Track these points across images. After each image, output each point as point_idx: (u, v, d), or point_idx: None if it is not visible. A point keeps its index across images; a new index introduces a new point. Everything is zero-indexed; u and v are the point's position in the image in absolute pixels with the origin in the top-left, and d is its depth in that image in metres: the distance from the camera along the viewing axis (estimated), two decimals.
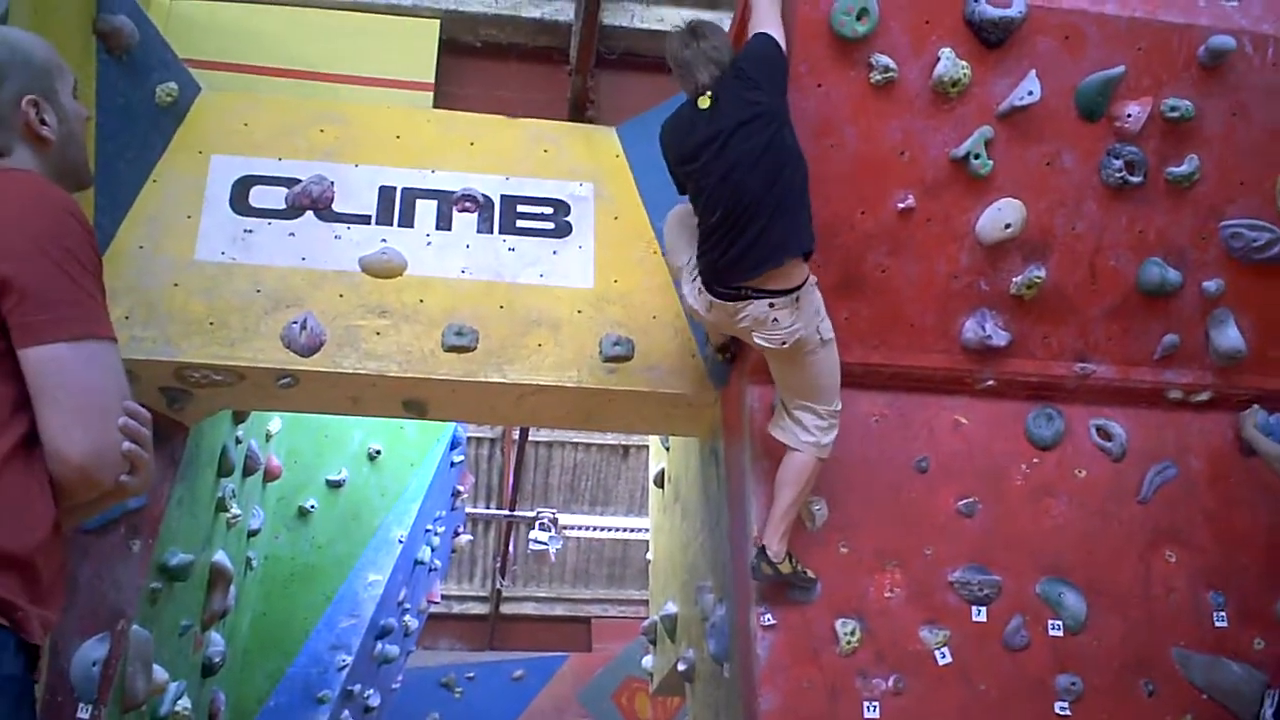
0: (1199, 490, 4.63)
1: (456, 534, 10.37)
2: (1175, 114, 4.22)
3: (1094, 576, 4.44)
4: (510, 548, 14.61)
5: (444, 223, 4.80)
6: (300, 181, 4.74)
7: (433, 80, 5.78)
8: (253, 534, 6.76)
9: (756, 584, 4.16)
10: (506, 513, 13.96)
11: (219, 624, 6.14)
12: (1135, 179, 4.29)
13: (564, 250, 4.85)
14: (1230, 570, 4.55)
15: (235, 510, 6.08)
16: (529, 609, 15.52)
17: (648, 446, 8.65)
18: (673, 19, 5.94)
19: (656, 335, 4.73)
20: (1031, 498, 4.51)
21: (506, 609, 15.27)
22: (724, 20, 5.13)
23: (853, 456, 4.43)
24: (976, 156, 4.19)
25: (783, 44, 3.86)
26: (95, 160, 4.33)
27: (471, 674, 14.36)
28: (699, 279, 4.04)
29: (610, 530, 14.37)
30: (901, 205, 4.23)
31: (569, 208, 4.93)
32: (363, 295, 4.61)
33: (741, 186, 3.77)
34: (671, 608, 6.22)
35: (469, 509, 12.47)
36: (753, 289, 3.84)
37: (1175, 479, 4.62)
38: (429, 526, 8.73)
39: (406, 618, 8.59)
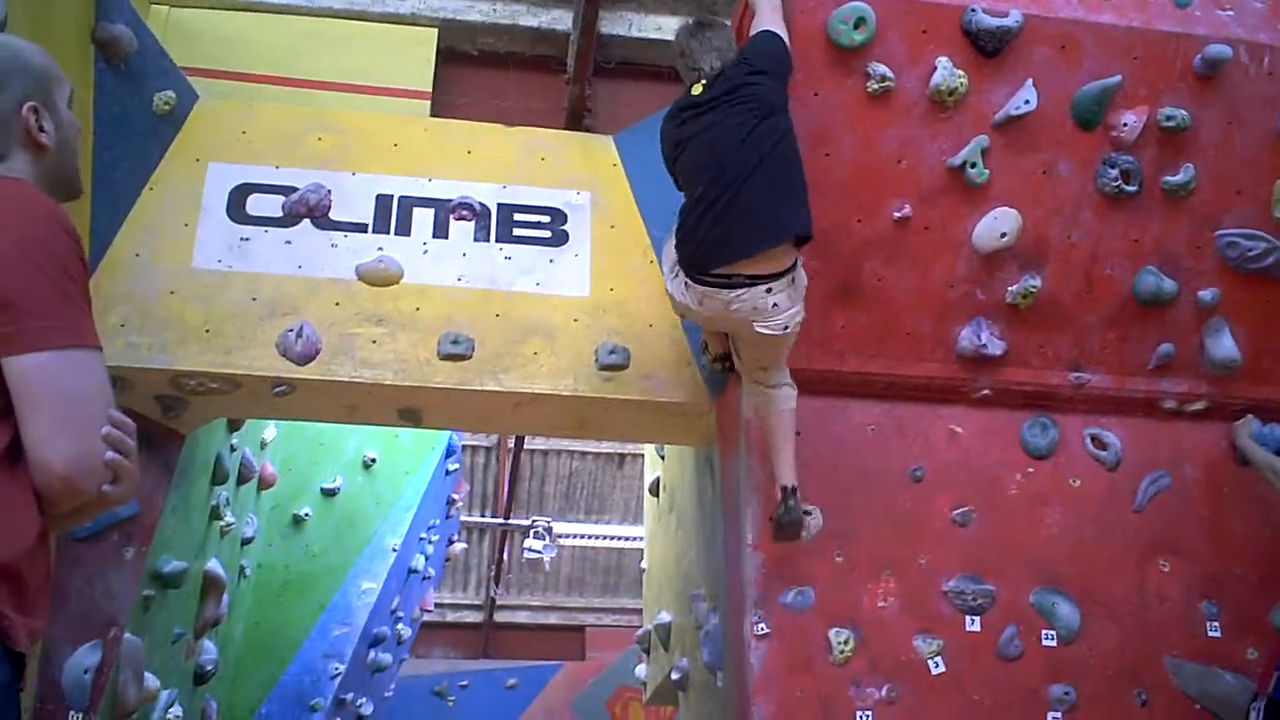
0: (1193, 500, 4.64)
1: (451, 542, 10.35)
2: (1171, 123, 4.24)
3: (1088, 586, 4.45)
4: (505, 556, 14.59)
5: (441, 231, 4.80)
6: (297, 190, 4.75)
7: (430, 89, 5.78)
8: (246, 542, 6.75)
9: (786, 531, 4.07)
10: (501, 521, 13.93)
11: (212, 632, 6.13)
12: (1131, 188, 4.30)
13: (560, 259, 4.85)
14: (1224, 580, 4.56)
15: (229, 518, 6.07)
16: (523, 617, 15.50)
17: (643, 455, 8.66)
18: (670, 28, 5.94)
19: (652, 344, 4.73)
20: (1026, 507, 4.52)
21: (500, 617, 15.25)
22: None
23: (849, 465, 4.43)
24: (973, 165, 4.20)
25: (788, 42, 3.87)
26: (92, 168, 4.33)
27: (465, 682, 14.33)
28: (681, 272, 3.92)
29: (605, 539, 14.35)
30: (898, 214, 4.24)
31: (566, 216, 4.94)
32: (359, 303, 4.61)
33: (727, 157, 3.71)
34: (665, 616, 6.22)
35: (464, 517, 12.45)
36: (744, 276, 3.74)
37: (1170, 488, 4.63)
38: (423, 535, 8.71)
39: (400, 626, 8.57)
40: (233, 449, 6.01)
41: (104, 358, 1.83)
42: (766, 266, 3.74)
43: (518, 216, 4.89)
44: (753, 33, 3.93)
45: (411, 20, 5.91)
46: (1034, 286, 4.38)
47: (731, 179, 3.69)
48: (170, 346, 4.41)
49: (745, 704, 4.16)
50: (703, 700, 5.20)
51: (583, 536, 14.25)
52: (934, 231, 4.30)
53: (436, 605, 11.97)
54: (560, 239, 4.89)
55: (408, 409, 4.83)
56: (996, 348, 4.45)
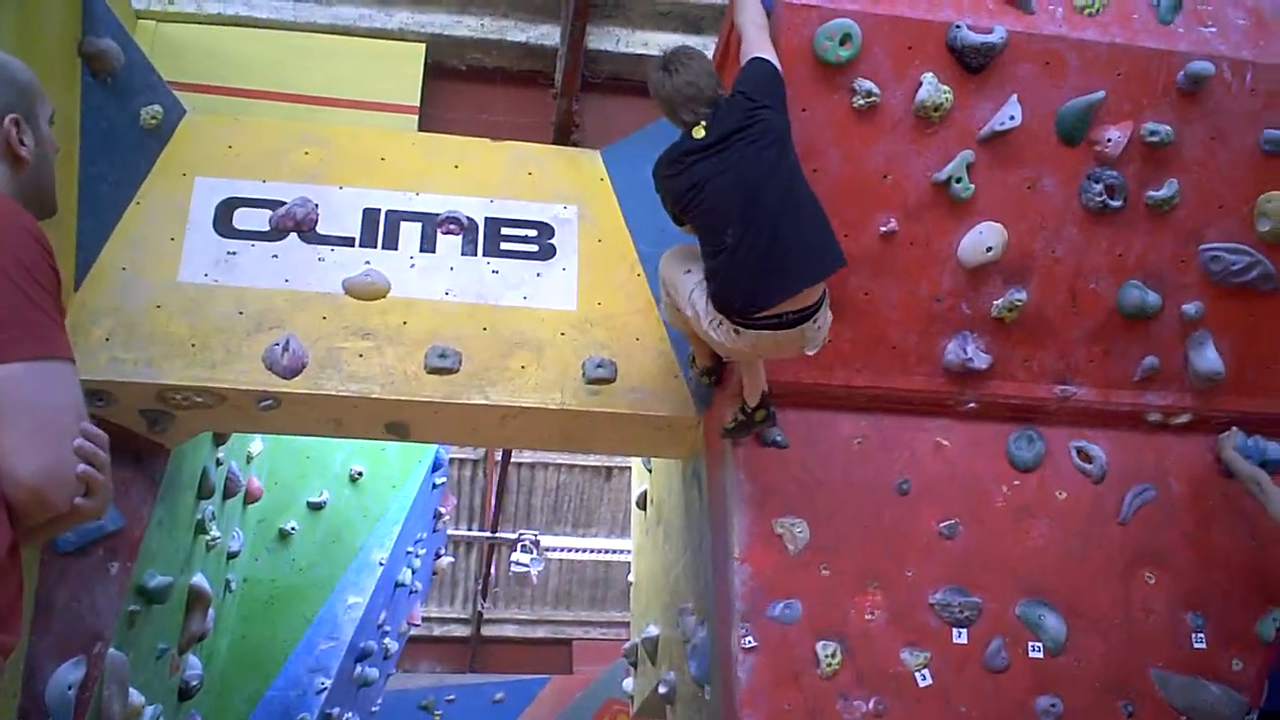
0: (1178, 512, 4.66)
1: (438, 556, 10.33)
2: (1155, 138, 4.27)
3: (1074, 598, 4.46)
4: (492, 570, 14.56)
5: (428, 245, 4.81)
6: (284, 204, 4.75)
7: (418, 103, 5.80)
8: (232, 556, 6.73)
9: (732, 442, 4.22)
10: (488, 534, 13.92)
11: (197, 647, 6.10)
12: (1115, 203, 4.33)
13: (548, 272, 4.86)
14: (1209, 591, 4.58)
15: (215, 532, 6.05)
16: (510, 631, 15.47)
17: (630, 468, 8.65)
18: (658, 43, 5.99)
19: (639, 357, 4.74)
20: (1012, 519, 4.53)
21: (487, 631, 15.21)
22: (708, 45, 5.16)
23: (835, 478, 4.44)
24: (958, 180, 4.23)
25: (779, 67, 3.85)
26: (78, 182, 4.33)
27: (451, 696, 14.28)
28: (725, 320, 3.79)
29: (592, 552, 14.34)
30: (884, 228, 4.26)
31: (553, 230, 4.95)
32: (346, 317, 4.61)
33: (758, 195, 3.64)
34: (653, 630, 6.21)
35: (451, 531, 12.42)
36: (792, 313, 3.70)
37: (1155, 501, 4.65)
38: (410, 548, 8.69)
39: (386, 640, 8.54)
40: (219, 463, 5.99)
41: (77, 369, 1.81)
42: (810, 299, 3.73)
43: (505, 230, 4.90)
44: (743, 60, 3.89)
45: (399, 35, 5.93)
46: (1019, 300, 4.41)
47: (767, 218, 3.64)
48: (156, 360, 4.40)
49: (733, 717, 4.16)
50: (690, 714, 5.19)
51: (570, 550, 14.25)
52: (920, 246, 4.32)
53: (423, 619, 11.94)
54: (548, 253, 4.89)
55: (395, 423, 4.82)
56: (982, 361, 4.47)
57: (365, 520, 8.00)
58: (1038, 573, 4.48)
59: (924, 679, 4.26)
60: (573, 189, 5.07)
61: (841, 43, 4.01)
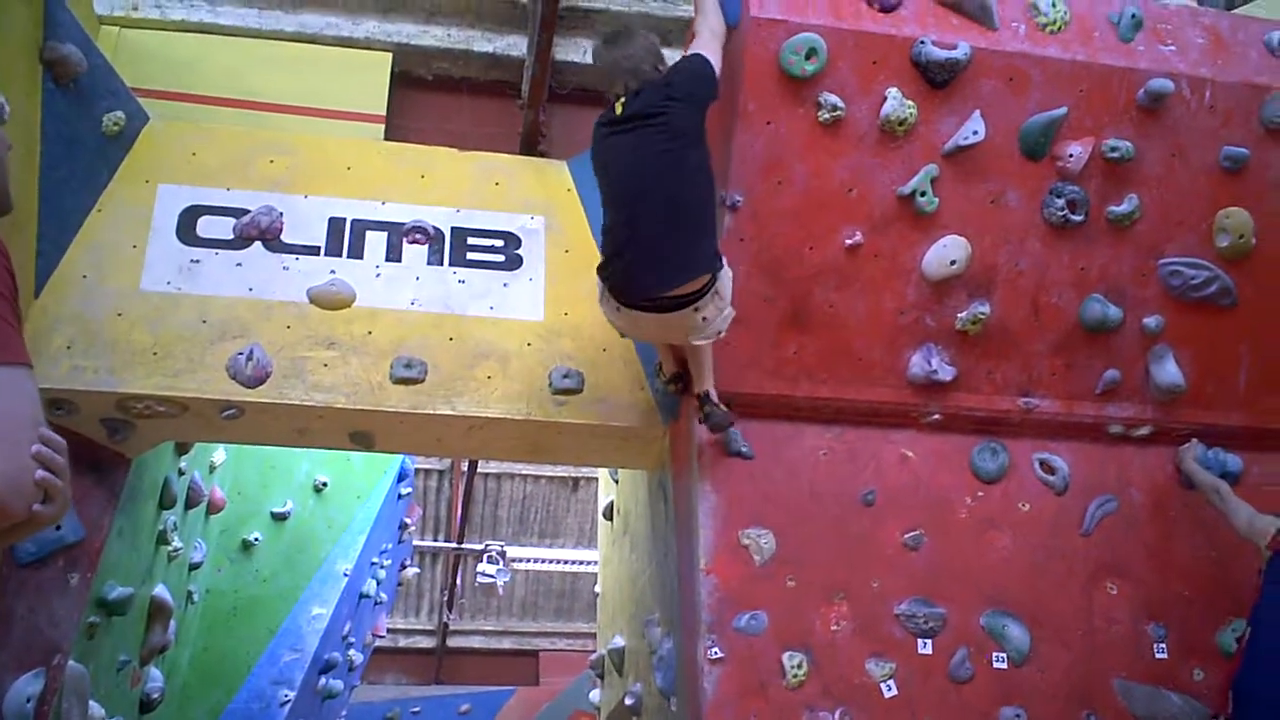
0: (1140, 523, 4.71)
1: (403, 567, 10.27)
2: (1116, 154, 4.32)
3: (1037, 608, 4.49)
4: (458, 580, 14.49)
5: (394, 254, 4.79)
6: (249, 212, 4.71)
7: (384, 113, 5.78)
8: (194, 567, 6.67)
9: (712, 429, 4.25)
10: (454, 545, 13.85)
11: (158, 659, 6.03)
12: (1077, 217, 4.38)
13: (514, 283, 4.85)
14: (1170, 602, 4.62)
15: (177, 543, 5.99)
16: (476, 642, 15.38)
17: (597, 479, 8.64)
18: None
19: (606, 368, 4.73)
20: (976, 530, 4.56)
21: (453, 642, 15.12)
22: (675, 58, 5.17)
23: (800, 490, 4.46)
24: (923, 194, 4.26)
25: (717, 70, 3.91)
26: (40, 188, 4.28)
27: (417, 708, 14.17)
28: (609, 295, 4.00)
29: (559, 563, 14.30)
30: (849, 241, 4.29)
31: (520, 240, 4.94)
32: (310, 326, 4.58)
33: (645, 188, 3.81)
34: (619, 641, 6.20)
35: (416, 541, 12.37)
36: (668, 298, 3.84)
37: (1116, 512, 4.70)
38: (375, 559, 8.64)
39: (351, 652, 8.48)
40: (181, 473, 5.93)
41: (34, 375, 1.79)
42: (688, 289, 3.84)
43: (471, 240, 4.89)
44: (687, 53, 3.98)
45: (366, 44, 5.91)
46: (983, 313, 4.44)
47: (648, 213, 3.80)
48: (117, 369, 4.35)
49: None
50: None
51: (536, 560, 14.20)
52: (884, 259, 4.35)
53: (388, 630, 11.83)
54: (514, 263, 4.89)
55: (359, 433, 4.79)
56: (946, 373, 4.50)
57: (330, 531, 7.95)
58: (1002, 583, 4.51)
59: (889, 690, 4.27)
60: (539, 199, 5.07)
61: (807, 57, 4.03)
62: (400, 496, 9.00)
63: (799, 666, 4.20)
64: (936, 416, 4.61)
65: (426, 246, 4.84)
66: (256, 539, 7.49)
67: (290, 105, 5.65)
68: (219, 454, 6.83)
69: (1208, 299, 4.57)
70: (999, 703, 4.35)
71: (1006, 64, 4.22)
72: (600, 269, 4.01)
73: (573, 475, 13.99)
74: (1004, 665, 4.40)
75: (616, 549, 6.54)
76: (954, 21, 4.22)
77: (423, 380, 4.55)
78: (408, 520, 9.71)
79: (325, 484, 7.94)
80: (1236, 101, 4.37)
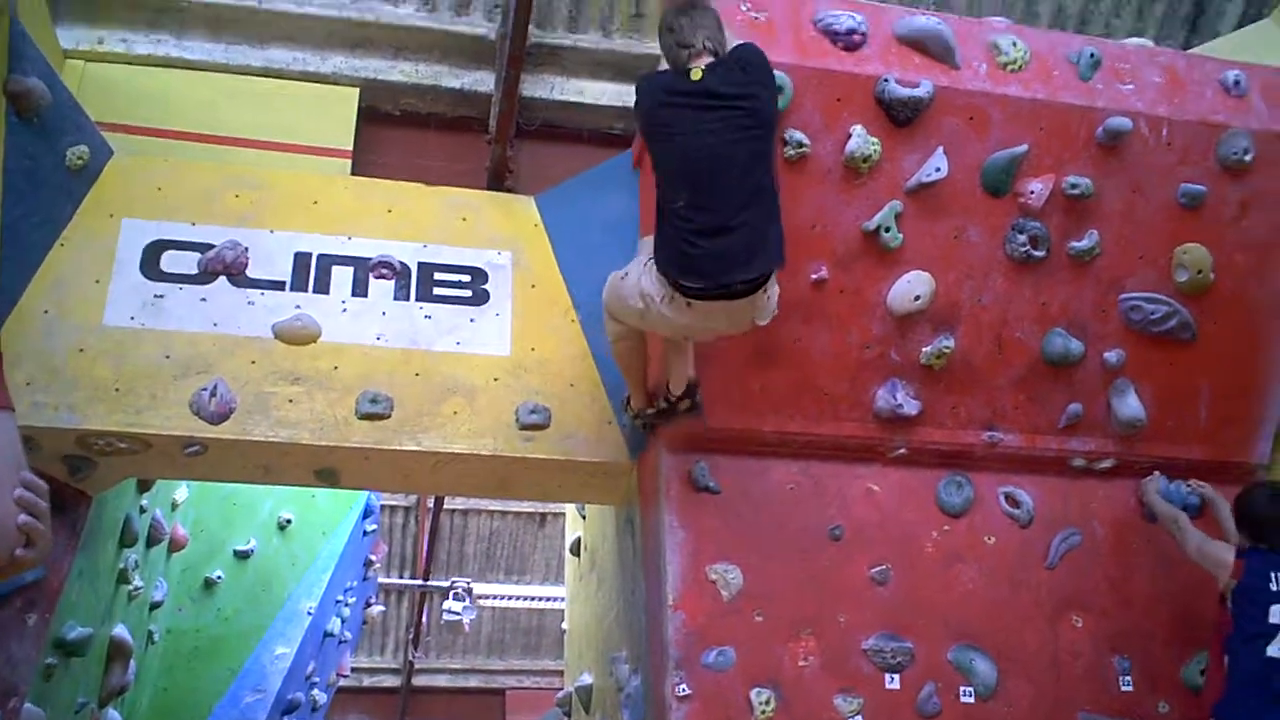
0: (1103, 556, 4.74)
1: (368, 604, 10.17)
2: (1076, 191, 4.39)
3: (1003, 642, 4.51)
4: (423, 618, 14.37)
5: (360, 289, 4.77)
6: (214, 247, 4.69)
7: (351, 148, 5.78)
8: (155, 606, 6.57)
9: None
10: (420, 582, 13.74)
11: (118, 701, 5.93)
12: (1039, 253, 4.43)
13: (481, 318, 4.84)
14: (1135, 635, 4.65)
15: (138, 582, 5.91)
16: (442, 681, 15.23)
17: (564, 514, 8.60)
18: (592, 92, 6.06)
19: (573, 403, 4.73)
20: (942, 565, 4.57)
21: (419, 681, 14.97)
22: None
23: (768, 524, 4.46)
24: (887, 230, 4.30)
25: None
26: (1, 222, 4.24)
27: None
28: (674, 297, 3.75)
29: (526, 599, 14.20)
30: (815, 276, 4.32)
31: (487, 275, 4.94)
32: (275, 362, 4.55)
33: (735, 180, 3.64)
34: (587, 679, 6.15)
35: (382, 579, 12.25)
36: (741, 282, 3.69)
37: (1080, 545, 4.73)
38: (340, 597, 8.54)
39: (315, 691, 8.36)
40: (142, 510, 5.86)
41: (15, 418, 1.77)
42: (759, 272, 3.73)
43: (438, 276, 4.88)
44: (734, 45, 3.85)
45: (333, 79, 5.92)
46: (947, 348, 4.48)
47: (738, 198, 3.65)
48: (79, 405, 4.30)
49: None
50: None
51: (503, 597, 14.10)
52: (850, 294, 4.38)
53: (353, 669, 11.70)
54: (481, 298, 4.88)
55: (324, 469, 4.76)
56: (912, 407, 4.53)
57: (293, 568, 7.86)
58: (968, 617, 4.52)
59: None
60: (507, 234, 5.07)
61: None
62: (366, 533, 8.92)
63: (767, 703, 4.19)
64: (902, 451, 4.63)
65: (393, 281, 4.83)
66: (219, 577, 7.39)
67: (257, 140, 5.64)
68: (181, 491, 6.76)
69: (1167, 333, 4.63)
70: None
71: (968, 102, 4.29)
72: (678, 258, 3.72)
73: (540, 511, 13.92)
74: (971, 700, 4.40)
75: (583, 585, 6.50)
76: (917, 60, 4.28)
77: (389, 416, 4.53)
78: (373, 557, 9.62)
79: (289, 521, 7.86)
80: (1193, 139, 4.46)
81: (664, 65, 3.93)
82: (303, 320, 4.63)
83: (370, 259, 4.83)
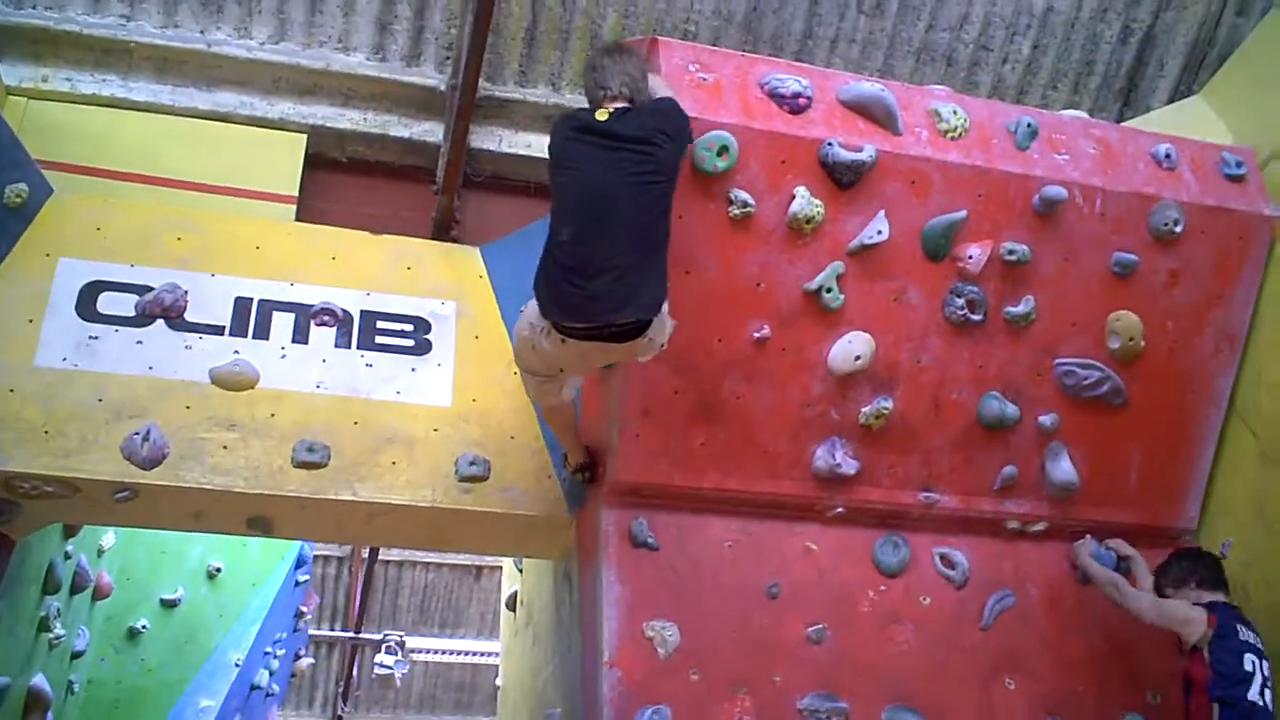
0: (1036, 618, 4.77)
1: (298, 657, 9.98)
2: (1013, 257, 4.47)
3: (938, 703, 4.51)
4: (354, 672, 14.10)
5: (301, 336, 4.74)
6: (153, 289, 4.64)
7: (296, 193, 5.75)
8: (76, 655, 6.40)
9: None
10: (352, 635, 13.51)
11: None
12: (976, 317, 4.50)
13: (423, 368, 4.82)
14: (1066, 696, 4.67)
15: (59, 630, 5.76)
16: None
17: (501, 567, 8.52)
18: (540, 145, 6.07)
19: (513, 456, 4.71)
20: (879, 624, 4.58)
21: None
22: None
23: (705, 582, 4.44)
24: (829, 290, 4.35)
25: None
26: None
27: None
28: (553, 331, 3.77)
29: (460, 654, 14.01)
30: (757, 335, 4.35)
31: (430, 325, 4.92)
32: (211, 407, 4.49)
33: (624, 221, 3.66)
34: None
35: (312, 630, 12.03)
36: (624, 327, 3.71)
37: (1014, 607, 4.76)
38: (269, 649, 8.38)
39: None
40: (67, 556, 5.73)
41: None
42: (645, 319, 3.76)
43: (381, 324, 4.86)
44: (657, 96, 3.92)
45: (280, 125, 5.90)
46: (886, 408, 4.52)
47: (622, 240, 3.67)
48: (5, 447, 4.21)
49: None
50: None
51: (436, 651, 13.90)
52: (791, 353, 4.42)
53: None
54: (423, 348, 4.86)
55: (257, 518, 4.68)
56: (850, 467, 4.55)
57: (221, 619, 7.70)
58: (903, 678, 4.52)
59: None
60: (451, 285, 5.07)
61: (719, 154, 4.12)
62: (298, 584, 8.78)
63: None
64: (840, 510, 4.65)
65: (335, 329, 4.79)
66: (144, 626, 7.22)
67: (201, 183, 5.59)
68: (108, 537, 6.62)
69: (1100, 398, 4.72)
70: None
71: (910, 167, 4.36)
72: (552, 285, 3.74)
73: (476, 564, 13.77)
74: None
75: (519, 640, 6.43)
76: (860, 125, 4.35)
77: (325, 465, 4.48)
78: (304, 608, 9.46)
79: (219, 570, 7.71)
80: (1126, 210, 4.57)
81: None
82: (240, 366, 4.58)
83: (312, 305, 4.80)
